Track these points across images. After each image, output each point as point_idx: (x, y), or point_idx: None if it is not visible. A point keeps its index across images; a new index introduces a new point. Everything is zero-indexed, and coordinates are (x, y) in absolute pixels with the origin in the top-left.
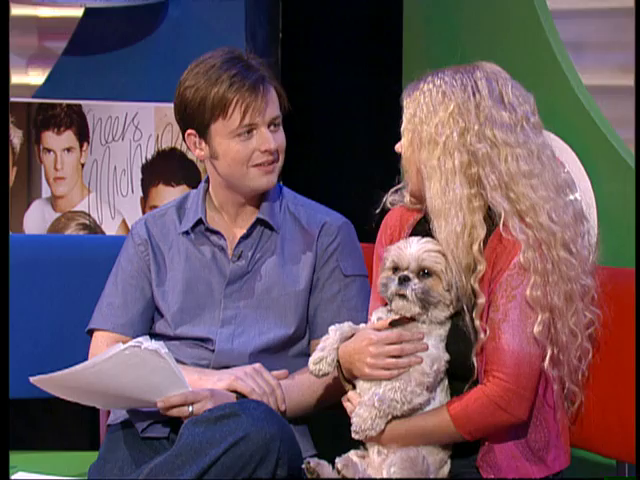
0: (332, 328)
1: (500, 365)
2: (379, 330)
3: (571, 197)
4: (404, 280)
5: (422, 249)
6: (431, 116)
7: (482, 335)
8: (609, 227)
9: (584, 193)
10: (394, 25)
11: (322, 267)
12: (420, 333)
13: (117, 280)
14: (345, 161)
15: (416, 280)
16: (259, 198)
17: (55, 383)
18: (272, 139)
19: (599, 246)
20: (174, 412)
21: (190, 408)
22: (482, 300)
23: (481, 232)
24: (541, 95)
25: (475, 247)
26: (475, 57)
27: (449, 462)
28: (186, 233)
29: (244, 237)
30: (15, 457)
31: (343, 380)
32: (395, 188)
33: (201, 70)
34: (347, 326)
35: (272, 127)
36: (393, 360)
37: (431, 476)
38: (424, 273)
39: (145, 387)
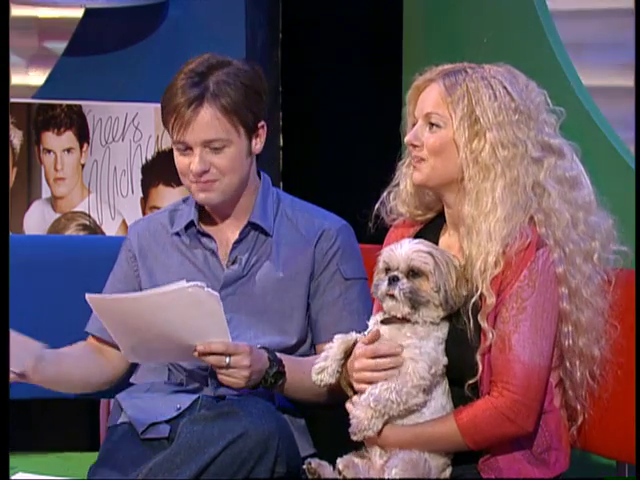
0: (337, 337)
1: (510, 377)
2: (370, 341)
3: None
4: (393, 280)
5: (412, 249)
6: (497, 115)
7: (488, 339)
8: None
9: None
10: (394, 25)
11: (322, 272)
12: (398, 347)
13: (108, 284)
14: (345, 161)
15: (404, 280)
16: (250, 202)
17: (106, 306)
18: (199, 162)
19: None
20: (211, 359)
21: (227, 359)
22: (492, 300)
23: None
24: None
25: (500, 249)
26: (475, 57)
27: (451, 466)
28: (177, 235)
29: (237, 242)
30: (15, 458)
31: (346, 387)
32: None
33: (179, 70)
34: (351, 337)
35: (208, 149)
36: (371, 374)
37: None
38: (413, 273)
39: (191, 329)
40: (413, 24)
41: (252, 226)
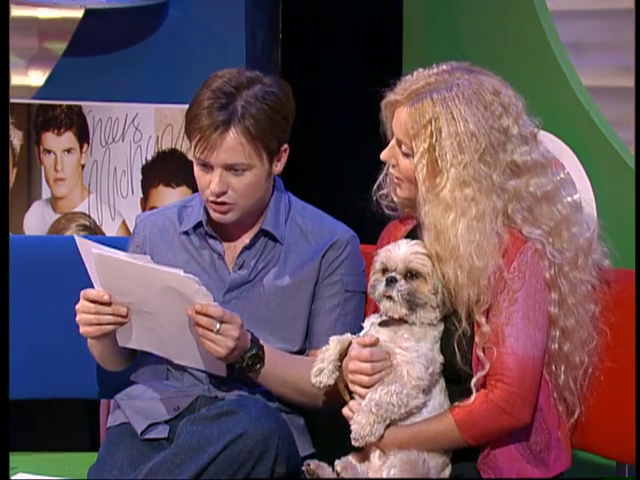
0: (332, 339)
1: (504, 369)
2: (365, 344)
3: (569, 199)
4: (391, 281)
5: (410, 251)
6: (457, 154)
7: (486, 366)
8: (609, 228)
9: (584, 193)
10: (394, 25)
11: (325, 278)
12: (385, 353)
13: None
14: (345, 161)
15: (402, 281)
16: (262, 208)
17: (108, 263)
18: (219, 183)
19: (599, 249)
20: (203, 320)
21: (218, 325)
22: (486, 329)
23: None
24: (541, 96)
25: (485, 282)
26: (475, 58)
27: (450, 465)
28: (186, 234)
29: (247, 247)
30: (15, 458)
31: (343, 390)
32: (377, 185)
33: (206, 84)
34: (346, 337)
35: (231, 171)
36: (366, 378)
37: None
38: (411, 275)
39: (181, 312)
40: (413, 24)
41: (263, 233)
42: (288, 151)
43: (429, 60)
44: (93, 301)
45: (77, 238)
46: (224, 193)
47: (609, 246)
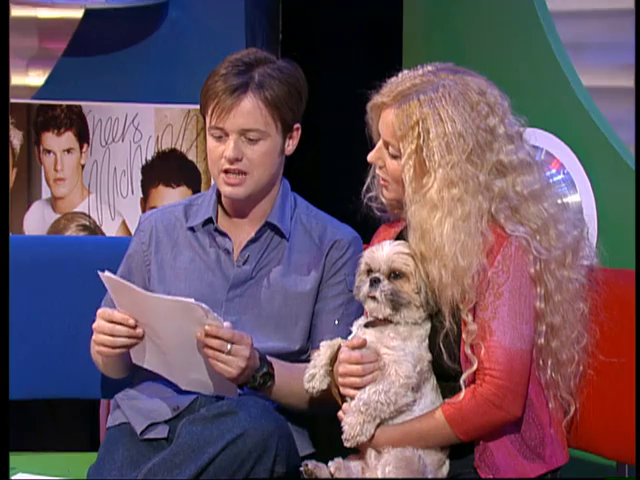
0: (322, 344)
1: (492, 362)
2: (354, 346)
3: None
4: (374, 282)
5: (393, 251)
6: (445, 155)
7: (474, 363)
8: (609, 227)
9: (584, 193)
10: (394, 25)
11: (329, 279)
12: (375, 354)
13: (117, 274)
14: (344, 162)
15: (386, 282)
16: (269, 203)
17: (119, 288)
18: (233, 149)
19: (598, 250)
20: (214, 342)
21: (229, 346)
22: (473, 327)
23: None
24: (541, 96)
25: (469, 281)
26: (475, 58)
27: (447, 462)
28: (192, 230)
29: (252, 241)
30: (15, 458)
31: (336, 395)
32: (365, 187)
33: (222, 62)
34: (336, 342)
35: (244, 138)
36: (357, 380)
37: (429, 476)
38: (394, 275)
39: (189, 341)
40: (413, 24)
41: (269, 226)
42: (300, 132)
43: (429, 61)
44: (116, 322)
45: (101, 275)
46: (238, 160)
47: (607, 246)
